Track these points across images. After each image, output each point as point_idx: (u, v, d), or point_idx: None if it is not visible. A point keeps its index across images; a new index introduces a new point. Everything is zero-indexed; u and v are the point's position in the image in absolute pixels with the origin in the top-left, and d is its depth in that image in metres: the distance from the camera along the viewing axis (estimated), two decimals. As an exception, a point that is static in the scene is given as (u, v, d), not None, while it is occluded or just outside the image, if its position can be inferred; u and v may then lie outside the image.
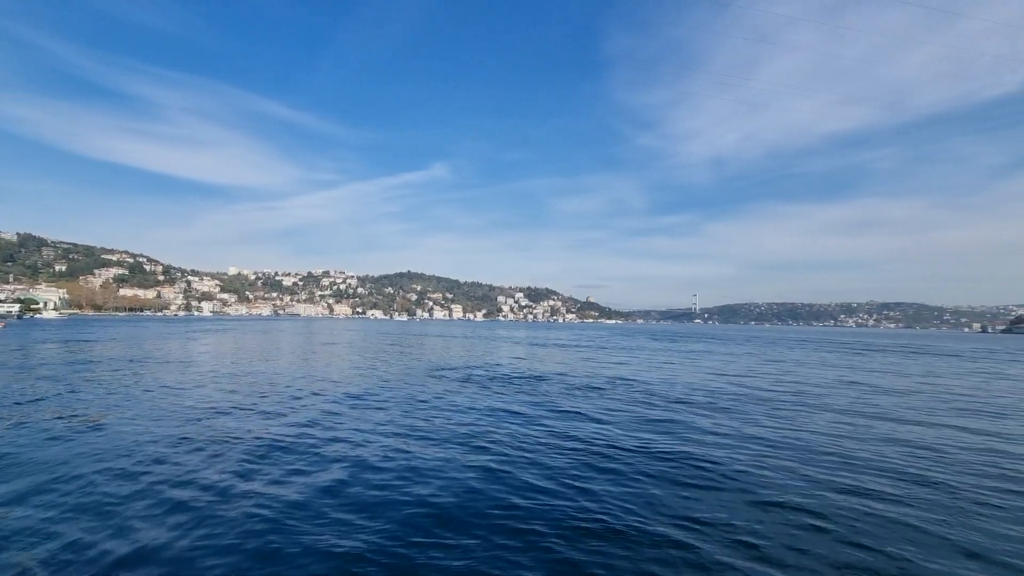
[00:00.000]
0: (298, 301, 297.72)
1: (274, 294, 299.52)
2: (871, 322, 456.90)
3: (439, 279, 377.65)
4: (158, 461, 8.61)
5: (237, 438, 10.33)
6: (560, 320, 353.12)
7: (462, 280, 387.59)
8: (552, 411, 14.34)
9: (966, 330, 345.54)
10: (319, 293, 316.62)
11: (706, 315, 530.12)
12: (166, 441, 9.94)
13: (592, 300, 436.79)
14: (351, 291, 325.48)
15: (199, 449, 9.45)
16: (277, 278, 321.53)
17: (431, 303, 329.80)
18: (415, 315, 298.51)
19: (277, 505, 6.94)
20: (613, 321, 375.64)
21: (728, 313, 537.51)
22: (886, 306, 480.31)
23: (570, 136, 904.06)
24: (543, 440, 10.88)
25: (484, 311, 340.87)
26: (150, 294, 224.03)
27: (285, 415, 12.88)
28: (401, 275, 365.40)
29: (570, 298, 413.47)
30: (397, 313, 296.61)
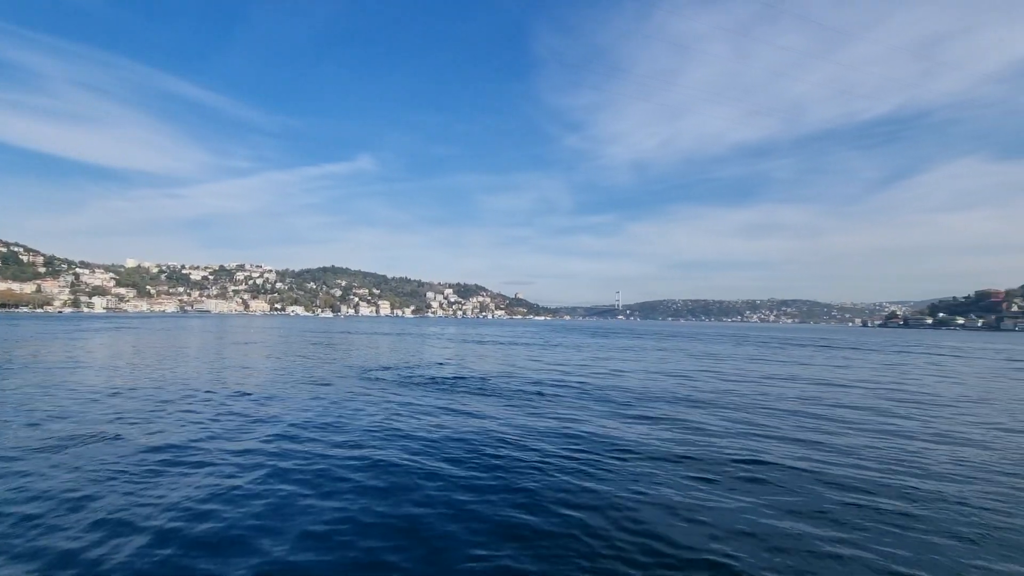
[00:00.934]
0: (208, 297, 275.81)
1: (180, 289, 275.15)
2: (772, 318, 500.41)
3: (365, 274, 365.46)
4: (33, 497, 7.14)
5: (128, 466, 8.46)
6: (489, 316, 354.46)
7: (390, 275, 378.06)
8: (521, 416, 13.77)
9: (850, 324, 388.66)
10: (232, 288, 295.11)
11: (628, 311, 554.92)
12: (34, 470, 8.26)
13: (521, 296, 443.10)
14: (269, 286, 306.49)
15: (80, 478, 7.82)
16: (184, 271, 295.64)
17: (357, 299, 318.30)
18: (340, 311, 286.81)
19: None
20: (542, 317, 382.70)
21: (648, 309, 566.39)
22: (784, 303, 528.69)
23: (499, 133, 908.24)
24: (525, 453, 10.06)
25: (413, 307, 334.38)
26: (28, 288, 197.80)
27: (190, 434, 10.87)
28: (324, 270, 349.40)
29: (499, 294, 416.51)
30: (321, 309, 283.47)
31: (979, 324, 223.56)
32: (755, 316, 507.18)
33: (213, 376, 20.50)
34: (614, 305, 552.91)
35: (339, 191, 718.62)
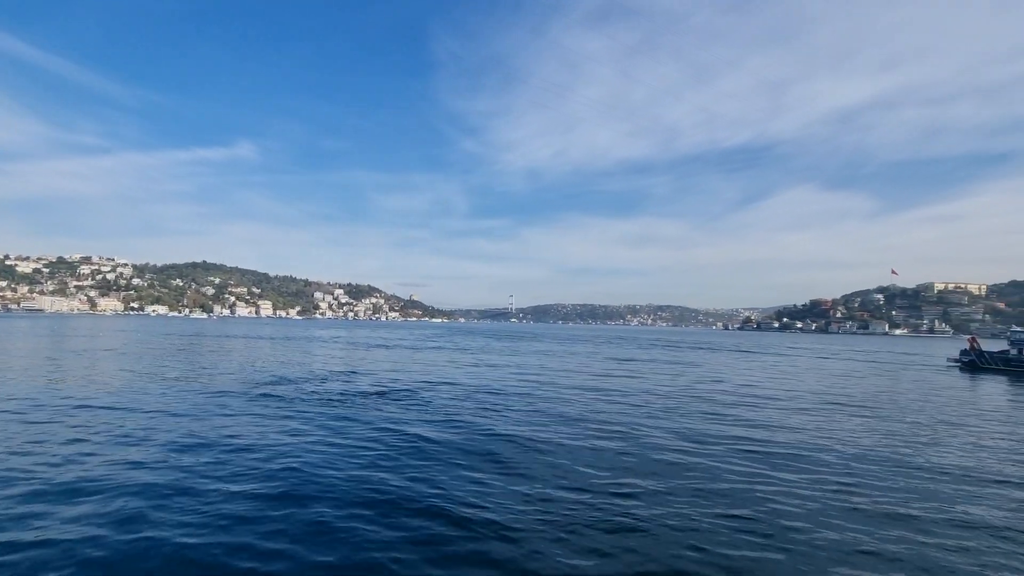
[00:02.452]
0: (42, 293, 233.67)
1: (3, 284, 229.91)
2: (650, 321, 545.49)
3: (244, 272, 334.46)
4: None
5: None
6: (383, 318, 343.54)
7: (272, 273, 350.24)
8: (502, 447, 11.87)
9: (714, 327, 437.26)
10: (75, 284, 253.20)
11: (521, 315, 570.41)
12: None
13: (416, 298, 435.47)
14: (123, 282, 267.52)
15: None
16: (8, 263, 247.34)
17: (234, 298, 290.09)
18: (213, 312, 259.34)
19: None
20: (438, 320, 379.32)
21: (540, 313, 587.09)
22: (660, 308, 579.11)
23: (395, 131, 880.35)
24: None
25: (299, 308, 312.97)
26: None
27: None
28: (194, 265, 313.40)
29: (393, 296, 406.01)
30: (189, 309, 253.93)
31: (812, 328, 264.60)
32: (635, 320, 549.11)
33: (47, 391, 16.72)
34: (507, 308, 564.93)
35: (214, 179, 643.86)
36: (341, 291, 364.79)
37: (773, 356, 50.45)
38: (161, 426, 12.09)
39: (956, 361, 43.55)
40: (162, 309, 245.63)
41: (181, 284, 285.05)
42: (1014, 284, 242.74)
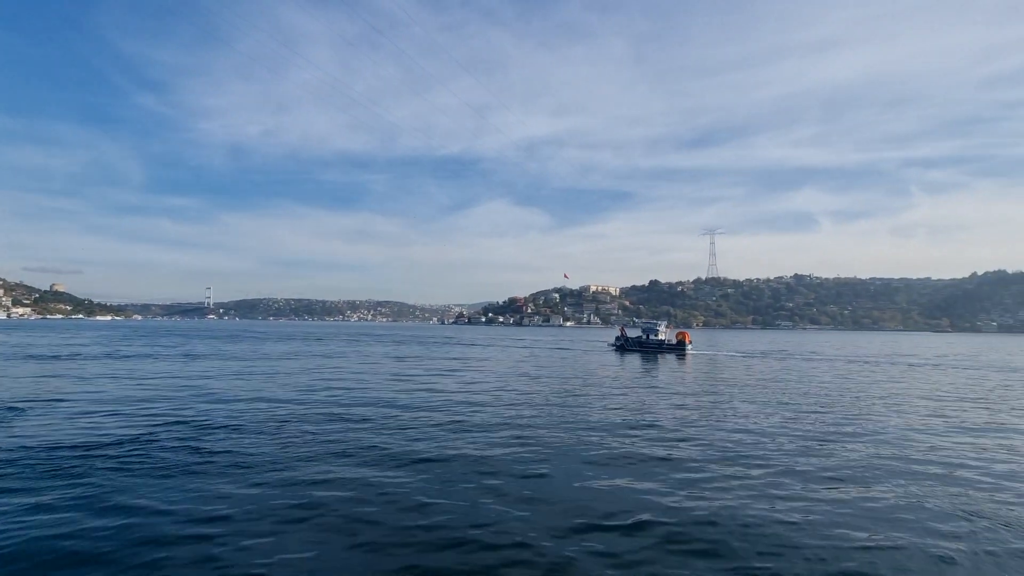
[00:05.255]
0: None
1: None
2: (370, 316, 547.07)
3: None
4: None
5: None
6: (3, 316, 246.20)
7: None
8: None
9: (431, 322, 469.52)
10: None
11: (222, 310, 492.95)
12: None
13: (61, 289, 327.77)
14: None
15: None
16: None
17: None
18: None
19: None
20: (105, 318, 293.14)
21: (246, 308, 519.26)
22: (380, 303, 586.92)
23: (25, 61, 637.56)
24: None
25: None
26: None
27: None
28: None
29: (20, 285, 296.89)
30: None
31: (511, 321, 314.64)
32: (355, 315, 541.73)
33: None
34: (204, 303, 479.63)
35: None
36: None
37: (516, 348, 61.90)
38: None
39: (613, 344, 62.55)
40: None
41: None
42: (634, 288, 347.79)
